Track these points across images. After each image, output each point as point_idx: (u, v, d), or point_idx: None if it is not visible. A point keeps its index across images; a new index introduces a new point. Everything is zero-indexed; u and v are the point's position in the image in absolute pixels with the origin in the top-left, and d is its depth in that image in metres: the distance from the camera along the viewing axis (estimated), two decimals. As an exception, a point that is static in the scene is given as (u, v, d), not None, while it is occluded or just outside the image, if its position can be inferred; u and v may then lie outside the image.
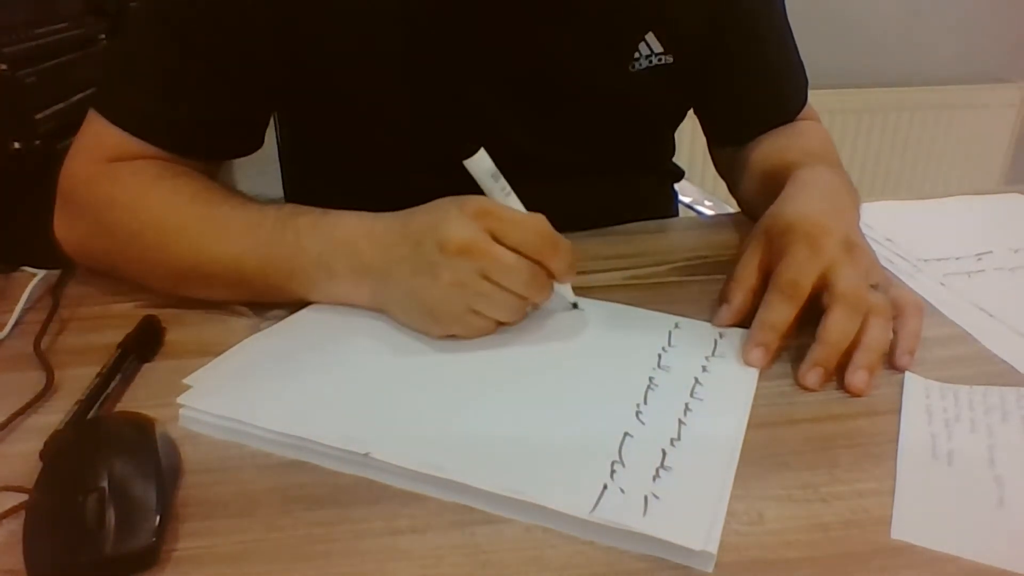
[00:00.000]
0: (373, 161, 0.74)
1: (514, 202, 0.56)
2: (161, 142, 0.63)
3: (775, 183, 0.64)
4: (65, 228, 0.64)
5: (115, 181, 0.62)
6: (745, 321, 0.56)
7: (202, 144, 0.65)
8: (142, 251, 0.60)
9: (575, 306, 0.59)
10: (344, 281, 0.56)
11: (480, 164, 0.54)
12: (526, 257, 0.52)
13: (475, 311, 0.53)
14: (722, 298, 0.59)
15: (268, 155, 0.98)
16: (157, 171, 0.62)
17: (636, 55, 0.70)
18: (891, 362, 0.54)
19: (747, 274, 0.58)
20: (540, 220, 0.53)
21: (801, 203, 0.58)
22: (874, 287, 0.54)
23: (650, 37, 0.70)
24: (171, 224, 0.59)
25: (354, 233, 0.56)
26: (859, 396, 0.51)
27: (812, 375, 0.51)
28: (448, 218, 0.52)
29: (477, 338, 0.55)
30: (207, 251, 0.58)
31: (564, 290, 0.58)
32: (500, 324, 0.55)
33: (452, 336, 0.54)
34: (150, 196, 0.61)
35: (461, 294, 0.52)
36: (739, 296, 0.57)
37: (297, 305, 0.59)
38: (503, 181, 0.55)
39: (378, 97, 0.69)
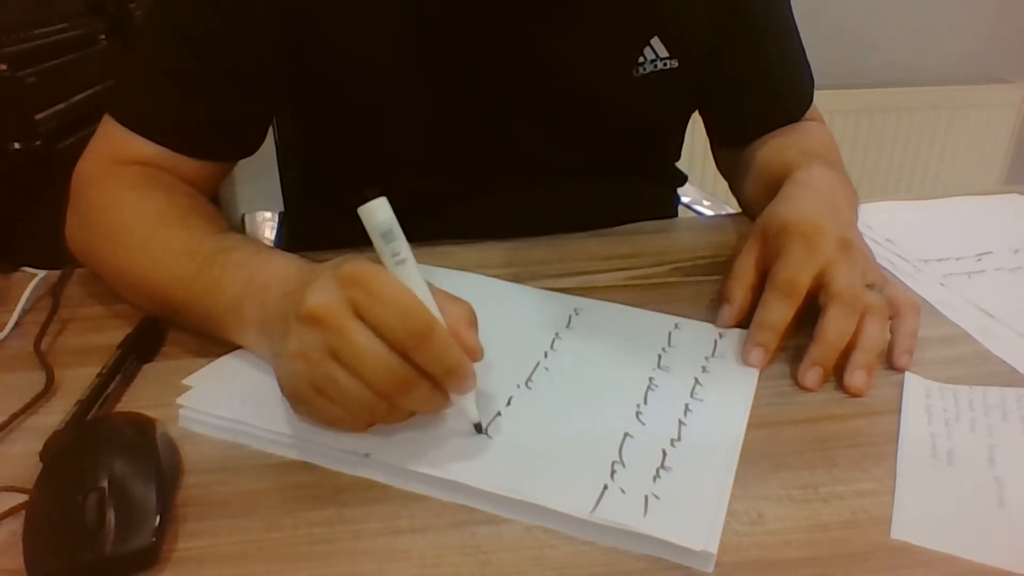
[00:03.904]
0: (374, 165, 0.74)
1: (406, 272, 0.42)
2: (168, 142, 0.63)
3: (774, 183, 0.64)
4: (67, 223, 0.64)
5: (102, 184, 0.62)
6: (746, 320, 0.56)
7: (209, 144, 0.66)
8: (104, 257, 0.60)
9: (479, 429, 0.45)
10: (249, 331, 0.50)
11: (372, 216, 0.41)
12: (391, 343, 0.41)
13: (324, 394, 0.42)
14: (722, 297, 0.59)
15: (267, 158, 0.98)
16: (136, 180, 0.62)
17: (641, 59, 0.70)
18: (890, 362, 0.54)
19: (745, 272, 0.58)
20: (418, 307, 0.41)
21: (797, 203, 0.58)
22: (870, 286, 0.55)
23: (655, 42, 0.70)
24: (125, 239, 0.59)
25: (272, 277, 0.49)
26: (858, 396, 0.51)
27: (811, 375, 0.51)
28: (317, 279, 0.43)
29: (344, 431, 0.44)
30: (147, 273, 0.57)
31: (464, 402, 0.44)
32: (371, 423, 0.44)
33: (312, 422, 0.45)
34: (117, 205, 0.60)
35: (305, 370, 0.42)
36: (740, 294, 0.57)
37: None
38: (399, 243, 0.41)
39: (381, 101, 0.69)
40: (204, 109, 0.64)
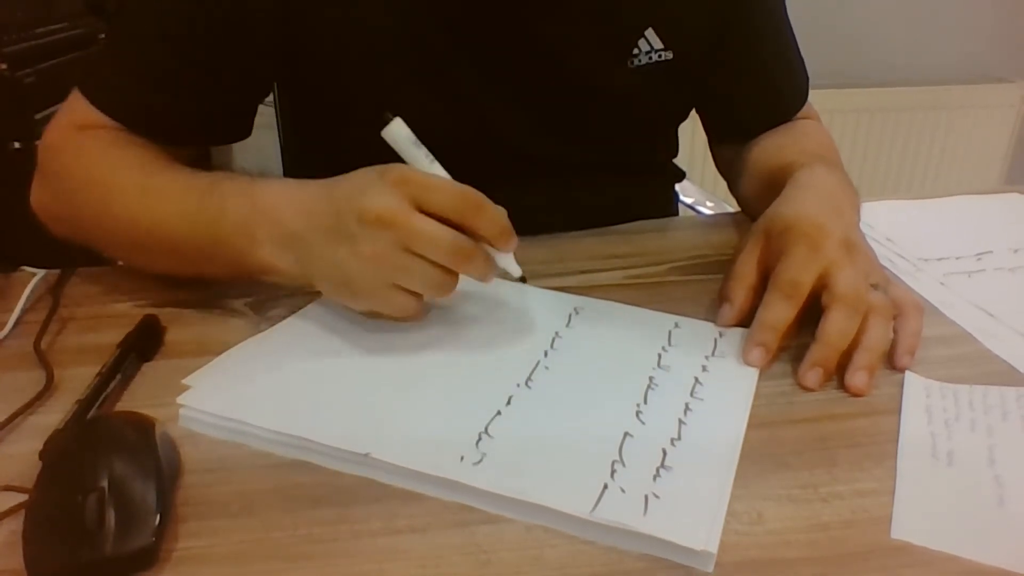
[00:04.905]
0: (373, 161, 0.74)
1: (439, 170, 0.53)
2: (137, 127, 0.64)
3: (773, 182, 0.64)
4: (35, 195, 0.65)
5: (77, 148, 0.63)
6: (746, 320, 0.56)
7: (178, 131, 0.66)
8: (91, 217, 0.61)
9: (523, 280, 0.55)
10: (266, 249, 0.54)
11: (399, 133, 0.52)
12: (451, 223, 0.49)
13: (397, 286, 0.50)
14: (722, 297, 0.59)
15: (271, 154, 0.98)
16: (112, 138, 0.63)
17: (636, 51, 0.71)
18: (891, 362, 0.54)
19: (746, 272, 0.58)
20: (464, 186, 0.50)
21: (800, 204, 0.58)
22: (874, 287, 0.54)
23: (650, 33, 0.70)
24: (114, 191, 0.60)
25: (277, 200, 0.54)
26: (859, 396, 0.51)
27: (812, 375, 0.51)
28: (368, 186, 0.50)
29: (404, 319, 0.53)
30: (144, 218, 0.58)
31: (506, 261, 0.53)
32: (427, 303, 0.53)
33: (376, 314, 0.53)
34: (100, 163, 0.61)
35: (380, 267, 0.50)
36: (740, 294, 0.57)
37: (284, 299, 0.59)
38: (425, 149, 0.52)
39: (376, 96, 0.69)
40: (176, 96, 0.64)
